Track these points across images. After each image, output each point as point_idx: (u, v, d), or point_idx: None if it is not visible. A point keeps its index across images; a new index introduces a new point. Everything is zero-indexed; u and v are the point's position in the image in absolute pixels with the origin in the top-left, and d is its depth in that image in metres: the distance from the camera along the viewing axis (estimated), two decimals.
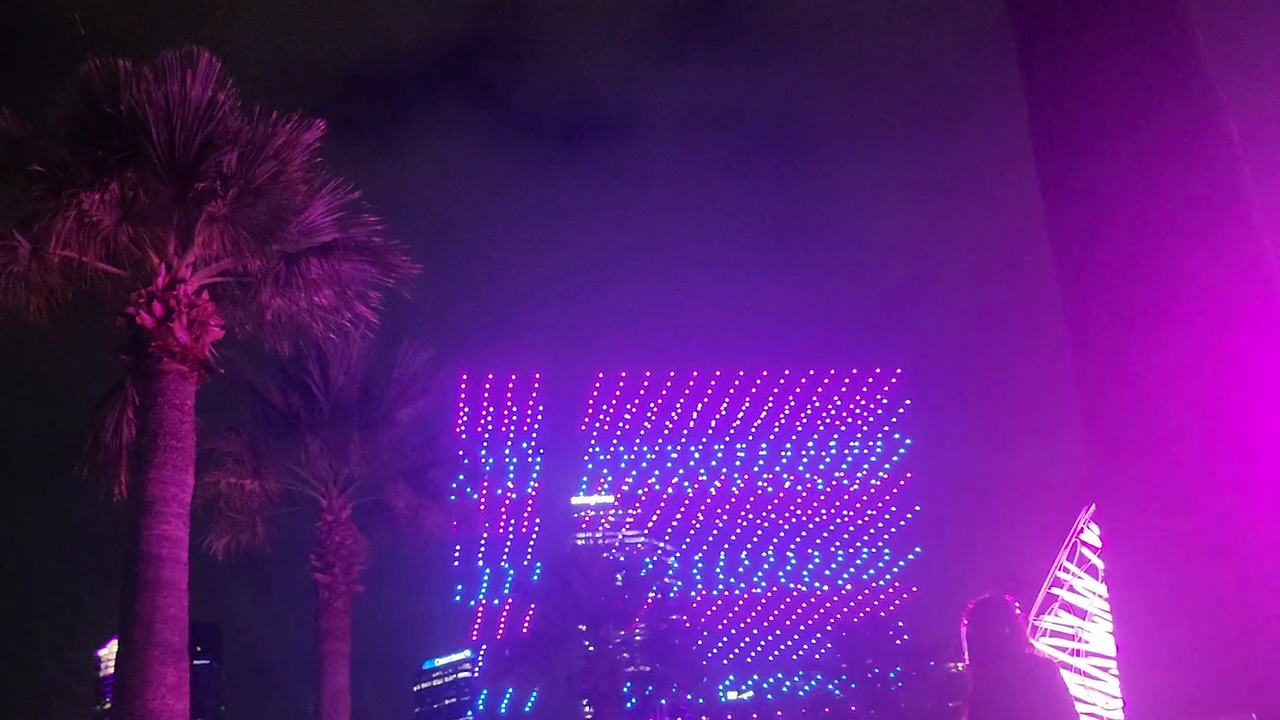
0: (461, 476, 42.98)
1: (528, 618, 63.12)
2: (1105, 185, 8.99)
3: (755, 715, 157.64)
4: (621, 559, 69.29)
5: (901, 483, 65.27)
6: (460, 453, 40.66)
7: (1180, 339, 8.36)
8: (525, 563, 64.61)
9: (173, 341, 19.26)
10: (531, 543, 66.19)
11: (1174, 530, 8.07)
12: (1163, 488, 8.17)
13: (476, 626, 72.90)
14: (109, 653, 53.78)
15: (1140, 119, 8.93)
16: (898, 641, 69.60)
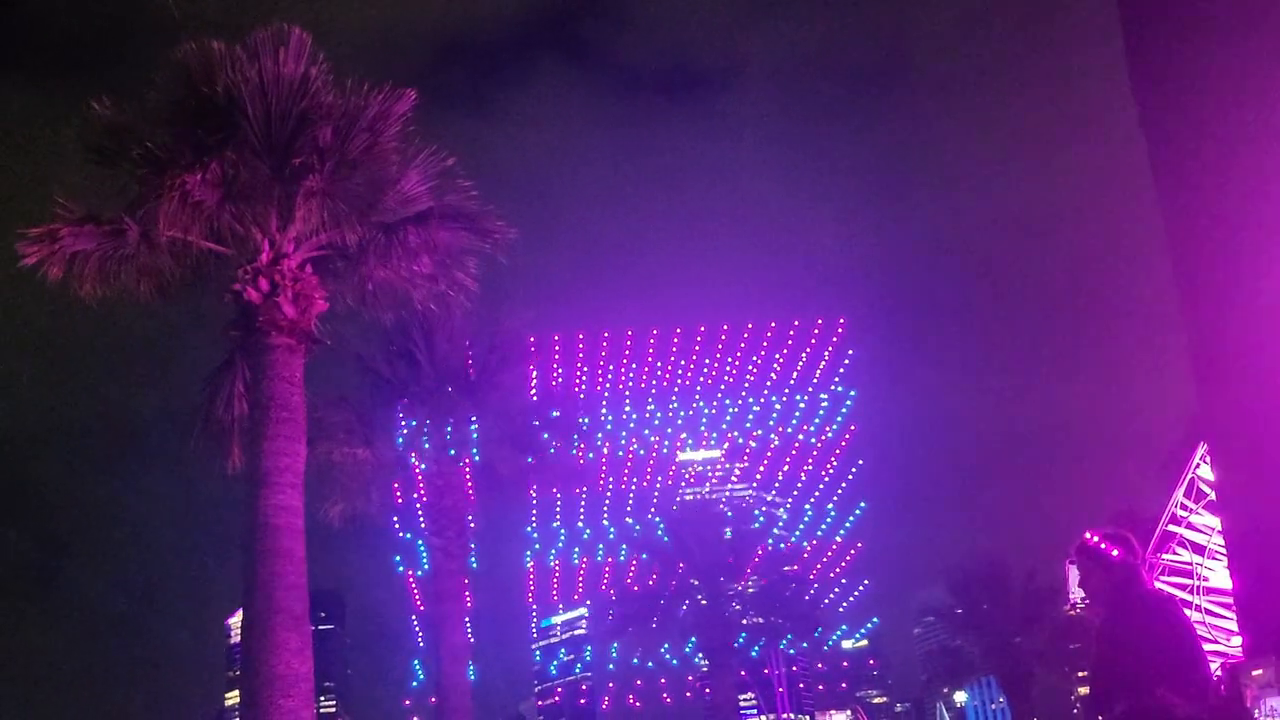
0: (576, 438, 43.34)
1: (630, 573, 63.52)
2: (1210, 127, 8.72)
3: (873, 661, 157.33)
4: (729, 514, 69.16)
5: (846, 437, 65.36)
6: (558, 413, 40.79)
7: None
8: (629, 520, 65.01)
9: (279, 315, 19.65)
10: (631, 500, 66.92)
11: None
12: (1274, 423, 7.96)
13: (581, 583, 73.88)
14: (237, 621, 55.38)
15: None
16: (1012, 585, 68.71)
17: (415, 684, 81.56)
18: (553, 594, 74.67)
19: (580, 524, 65.20)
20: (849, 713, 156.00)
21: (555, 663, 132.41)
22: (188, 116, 19.36)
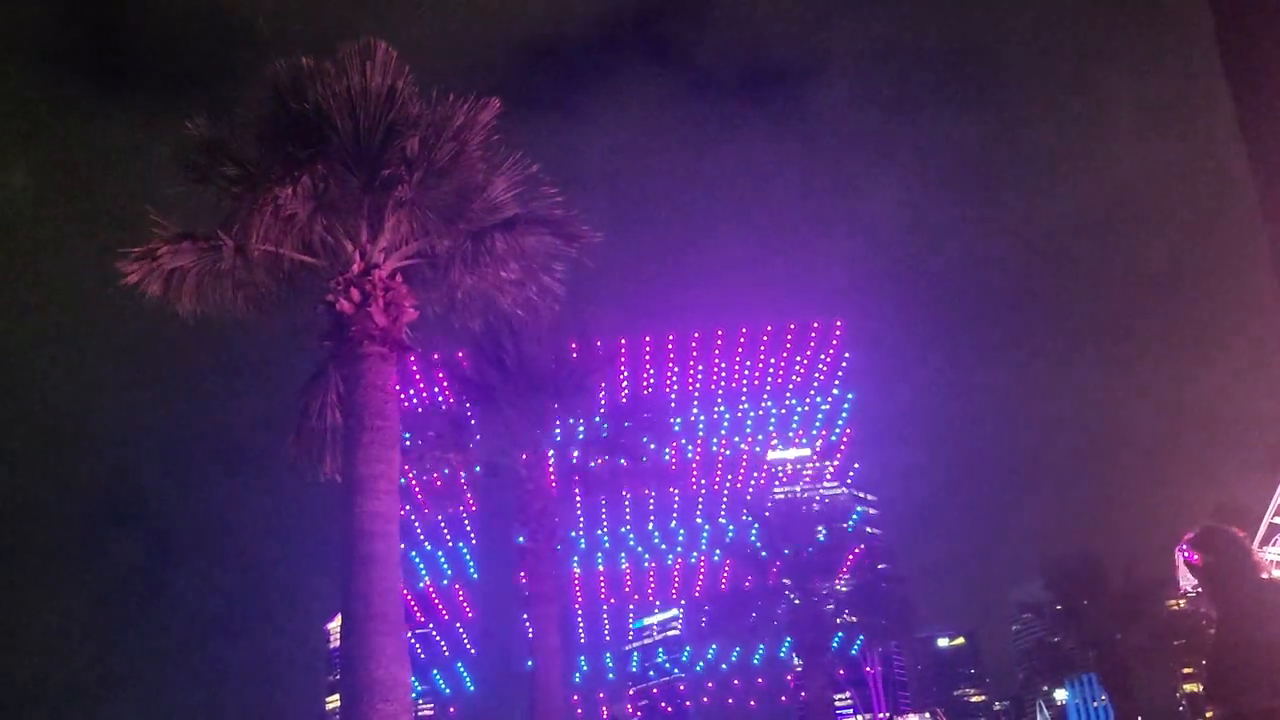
0: (649, 440, 43.38)
1: (724, 574, 63.35)
2: None
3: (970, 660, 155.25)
4: (817, 508, 68.79)
5: (847, 434, 63.15)
6: (649, 415, 40.90)
7: None
8: (722, 520, 64.69)
9: (371, 325, 19.91)
10: (725, 500, 66.39)
11: None
12: None
13: (676, 584, 73.60)
14: (337, 626, 56.46)
15: None
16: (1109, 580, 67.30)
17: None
18: (648, 595, 74.64)
19: (673, 524, 65.08)
20: (926, 715, 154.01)
21: (650, 663, 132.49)
22: (279, 132, 19.70)
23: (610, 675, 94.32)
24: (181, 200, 20.21)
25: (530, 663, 34.77)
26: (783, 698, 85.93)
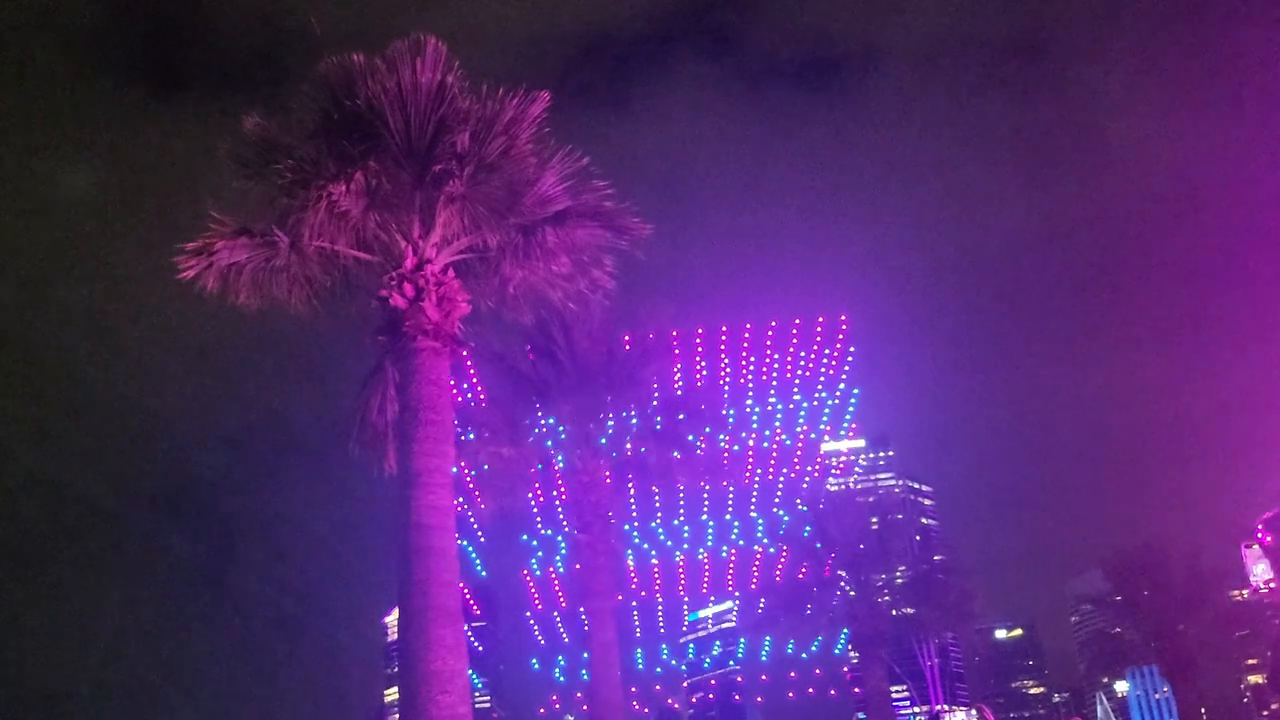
0: (708, 429, 43.36)
1: (779, 566, 63.12)
2: None
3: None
4: (871, 499, 68.40)
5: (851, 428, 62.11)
6: (703, 406, 40.87)
7: None
8: (776, 511, 64.61)
9: (425, 320, 20.04)
10: (779, 492, 66.25)
11: None
12: None
13: (731, 576, 73.62)
14: (394, 619, 56.98)
15: None
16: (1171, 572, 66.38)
17: (561, 679, 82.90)
18: (703, 587, 74.40)
19: (728, 517, 64.82)
20: (974, 711, 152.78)
21: (705, 656, 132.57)
22: (331, 128, 19.85)
23: (671, 666, 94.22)
24: (238, 198, 20.45)
25: (586, 655, 34.88)
26: (831, 691, 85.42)
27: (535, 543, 62.49)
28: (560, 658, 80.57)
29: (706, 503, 61.49)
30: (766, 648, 79.15)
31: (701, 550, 67.30)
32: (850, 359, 58.27)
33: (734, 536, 66.76)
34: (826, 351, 57.16)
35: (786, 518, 63.48)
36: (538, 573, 68.29)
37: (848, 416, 62.21)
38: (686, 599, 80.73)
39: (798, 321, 57.18)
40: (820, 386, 58.71)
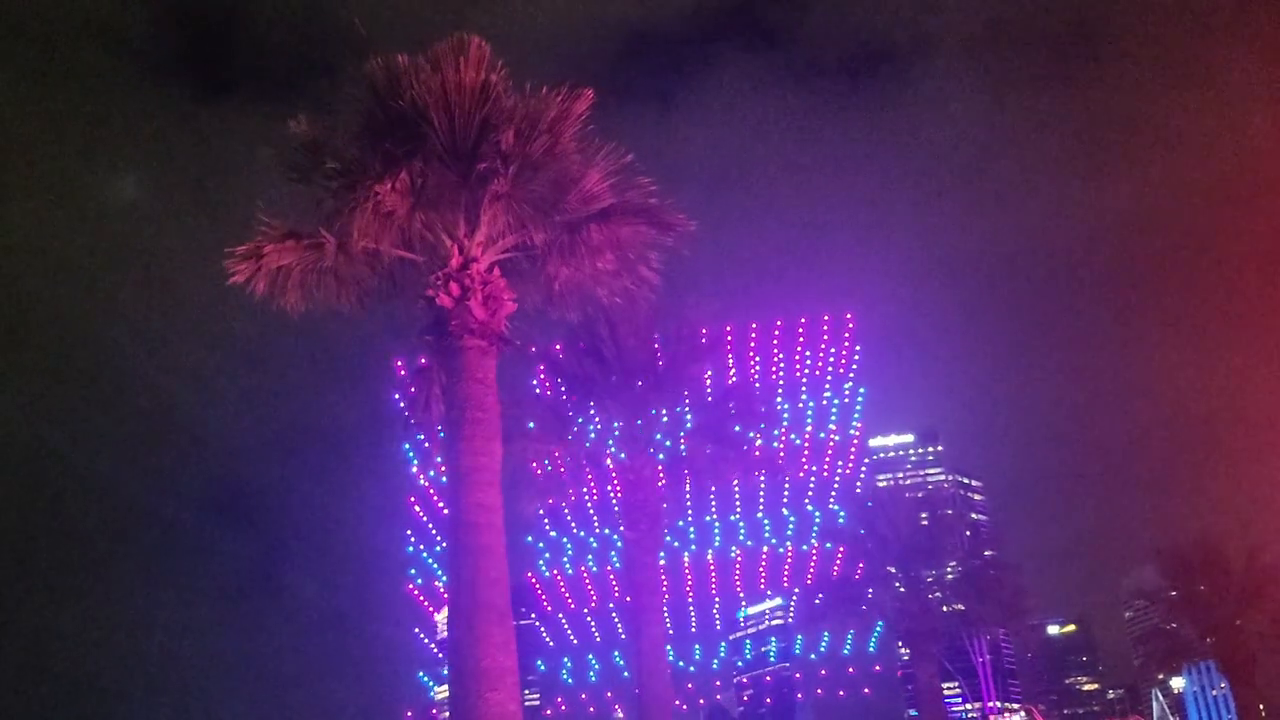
0: (762, 426, 43.23)
1: (837, 562, 62.86)
2: None
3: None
4: (920, 495, 67.97)
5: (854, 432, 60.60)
6: (751, 402, 40.74)
7: None
8: (830, 506, 64.40)
9: (471, 319, 20.10)
10: (836, 487, 65.87)
11: None
12: None
13: (786, 573, 73.36)
14: (443, 617, 57.36)
15: None
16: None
17: (569, 680, 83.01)
18: (758, 583, 74.35)
19: (785, 511, 64.69)
20: (1022, 713, 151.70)
21: (755, 653, 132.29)
22: (376, 129, 19.94)
23: (721, 663, 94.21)
24: (286, 200, 20.60)
25: (635, 652, 34.87)
26: (865, 690, 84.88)
27: (541, 544, 62.75)
28: (566, 659, 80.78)
29: (762, 498, 61.54)
30: (817, 644, 78.96)
31: (751, 544, 67.30)
32: (858, 357, 58.11)
33: (766, 535, 66.79)
34: (838, 349, 56.94)
35: (843, 513, 63.27)
36: (546, 574, 68.68)
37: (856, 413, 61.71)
38: (741, 595, 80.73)
39: (827, 318, 57.04)
40: (825, 382, 58.56)
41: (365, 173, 19.78)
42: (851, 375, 59.25)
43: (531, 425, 32.83)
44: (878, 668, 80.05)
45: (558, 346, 36.06)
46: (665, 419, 35.69)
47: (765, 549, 68.48)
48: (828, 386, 59.11)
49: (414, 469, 56.04)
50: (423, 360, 22.01)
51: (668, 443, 35.55)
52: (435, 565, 62.88)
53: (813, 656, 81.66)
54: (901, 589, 53.54)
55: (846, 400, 60.67)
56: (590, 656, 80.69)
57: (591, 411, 35.73)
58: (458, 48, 19.46)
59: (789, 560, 68.58)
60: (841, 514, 62.91)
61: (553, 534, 61.20)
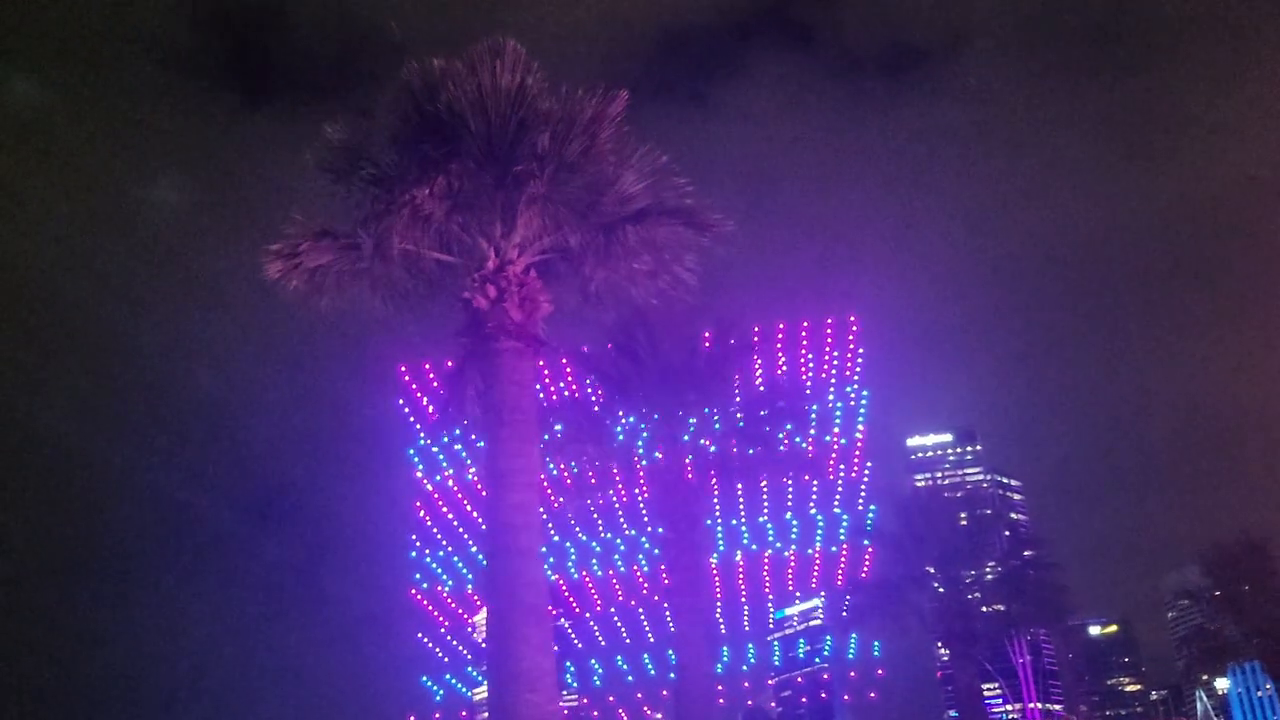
0: (789, 426, 43.06)
1: (866, 562, 62.56)
2: None
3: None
4: (959, 495, 67.51)
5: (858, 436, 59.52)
6: (784, 404, 40.62)
7: None
8: (861, 507, 64.05)
9: (507, 321, 20.15)
10: (863, 487, 65.60)
11: None
12: None
13: (817, 574, 73.03)
14: (481, 618, 57.48)
15: None
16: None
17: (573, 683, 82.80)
18: (788, 584, 74.04)
19: (813, 512, 64.43)
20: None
21: (792, 654, 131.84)
22: (413, 133, 20.04)
23: (757, 664, 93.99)
24: (324, 205, 20.72)
25: (671, 653, 34.87)
26: (871, 693, 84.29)
27: (544, 549, 62.30)
28: (569, 663, 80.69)
29: (791, 499, 61.30)
30: (854, 646, 78.60)
31: (778, 544, 67.03)
32: (861, 359, 57.70)
33: (820, 531, 66.42)
34: (846, 351, 56.58)
35: (874, 509, 62.96)
36: (574, 576, 68.64)
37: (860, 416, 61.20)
38: (771, 596, 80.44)
39: (853, 318, 56.74)
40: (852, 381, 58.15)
41: (403, 176, 19.90)
42: (856, 377, 58.83)
43: (559, 428, 32.87)
44: (943, 671, 79.40)
45: (584, 349, 36.08)
46: (716, 420, 35.59)
47: (812, 550, 68.12)
48: (853, 386, 58.73)
49: (418, 474, 56.41)
50: (449, 363, 22.05)
51: (702, 442, 35.49)
52: (439, 570, 63.38)
53: (850, 655, 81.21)
54: (940, 589, 53.23)
55: (855, 403, 60.23)
56: (619, 658, 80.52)
57: (621, 413, 35.73)
58: (494, 51, 19.53)
59: (843, 558, 68.12)
60: (871, 514, 62.50)
61: (582, 537, 61.32)
